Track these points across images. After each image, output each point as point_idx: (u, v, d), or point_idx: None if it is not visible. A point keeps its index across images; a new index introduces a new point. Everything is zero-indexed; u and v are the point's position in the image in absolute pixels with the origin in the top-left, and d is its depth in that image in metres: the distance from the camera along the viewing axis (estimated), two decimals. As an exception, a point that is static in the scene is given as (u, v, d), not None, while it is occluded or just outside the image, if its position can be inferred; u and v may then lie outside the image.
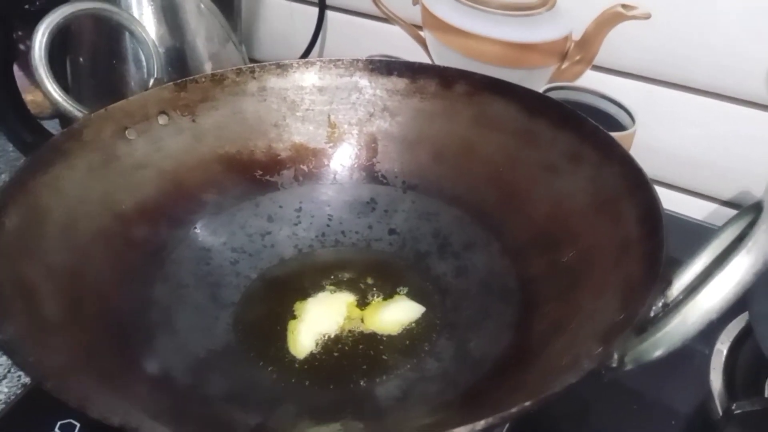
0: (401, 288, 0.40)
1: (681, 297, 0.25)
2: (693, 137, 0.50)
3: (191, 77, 0.42)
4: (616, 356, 0.25)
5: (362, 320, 0.38)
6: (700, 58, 0.47)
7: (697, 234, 0.31)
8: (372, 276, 0.40)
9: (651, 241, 0.30)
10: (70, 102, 0.39)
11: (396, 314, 0.38)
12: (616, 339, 0.26)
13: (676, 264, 0.29)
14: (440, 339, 0.36)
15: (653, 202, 0.32)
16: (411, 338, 0.37)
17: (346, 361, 0.35)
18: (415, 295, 0.39)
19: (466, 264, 0.40)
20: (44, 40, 0.38)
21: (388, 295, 0.39)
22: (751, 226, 0.24)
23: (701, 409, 0.37)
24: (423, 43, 0.60)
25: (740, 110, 0.47)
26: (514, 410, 0.22)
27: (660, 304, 0.26)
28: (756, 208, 0.26)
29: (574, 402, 0.38)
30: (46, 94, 0.39)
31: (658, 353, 0.24)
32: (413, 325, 0.37)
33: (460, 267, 0.40)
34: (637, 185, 0.33)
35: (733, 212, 0.32)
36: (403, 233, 0.43)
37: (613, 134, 0.37)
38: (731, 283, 0.23)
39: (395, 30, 0.60)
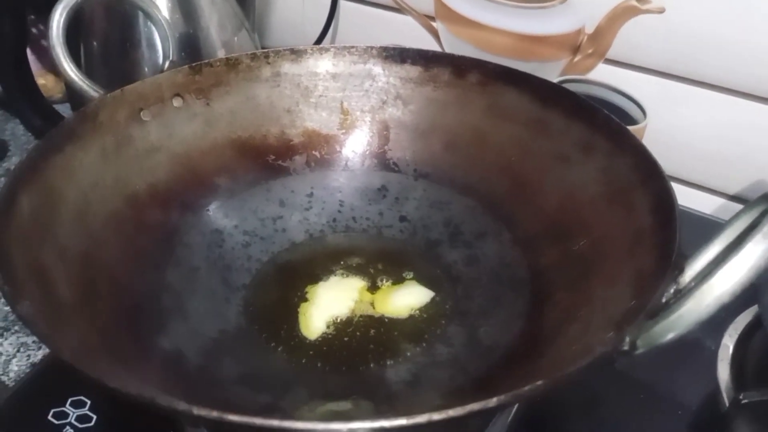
0: (411, 274, 0.40)
1: (693, 284, 0.25)
2: (704, 131, 0.50)
3: (206, 61, 0.42)
4: (627, 339, 0.25)
5: (372, 304, 0.38)
6: (712, 52, 0.47)
7: (709, 229, 0.31)
8: (382, 262, 0.41)
9: (664, 232, 0.30)
10: (88, 82, 0.39)
11: (405, 298, 0.38)
12: (629, 325, 0.26)
13: (686, 258, 0.29)
14: (451, 325, 0.36)
15: (666, 192, 0.32)
16: (422, 324, 0.37)
17: (357, 345, 0.36)
18: (425, 282, 0.39)
19: (477, 253, 0.40)
20: (62, 20, 0.38)
21: (398, 280, 0.39)
22: (764, 214, 0.24)
23: (708, 401, 0.37)
24: (435, 33, 0.60)
25: (752, 105, 0.47)
26: (527, 389, 0.22)
27: (672, 291, 0.26)
28: (770, 197, 0.26)
29: (583, 392, 0.38)
30: (64, 75, 0.39)
31: (670, 336, 0.24)
32: (423, 311, 0.37)
33: (471, 256, 0.40)
34: (649, 175, 0.33)
35: (745, 206, 0.32)
36: (414, 221, 0.43)
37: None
38: (745, 268, 0.23)
39: (407, 20, 0.60)
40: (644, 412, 0.38)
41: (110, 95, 0.39)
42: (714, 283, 0.23)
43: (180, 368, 0.32)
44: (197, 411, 0.22)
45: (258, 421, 0.22)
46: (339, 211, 0.44)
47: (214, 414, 0.22)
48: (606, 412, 0.38)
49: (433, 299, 0.38)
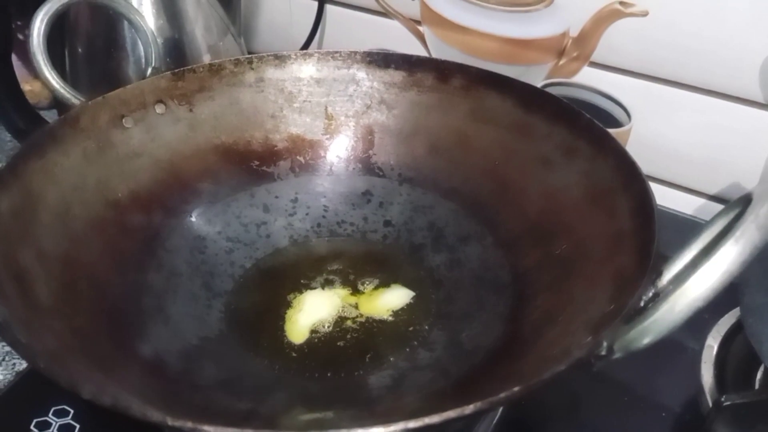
0: (395, 279, 0.40)
1: (671, 287, 0.26)
2: (688, 133, 0.51)
3: (189, 67, 0.42)
4: (605, 344, 0.25)
5: (356, 306, 0.38)
6: (696, 55, 0.47)
7: (689, 229, 0.32)
8: (367, 267, 0.41)
9: (643, 234, 0.30)
10: (68, 89, 0.39)
11: (388, 299, 0.38)
12: (606, 329, 0.26)
13: (666, 259, 0.29)
14: (433, 330, 0.36)
15: (646, 195, 0.32)
16: (404, 328, 0.37)
17: (339, 350, 0.36)
18: (408, 286, 0.39)
19: (460, 256, 0.40)
20: (43, 26, 0.38)
21: (382, 285, 0.39)
22: (739, 217, 0.24)
23: (691, 403, 0.37)
24: (422, 38, 0.60)
25: (735, 107, 0.48)
26: (502, 395, 0.22)
27: (650, 294, 0.26)
28: (745, 200, 0.26)
29: (565, 394, 0.38)
30: (44, 81, 0.39)
31: (646, 341, 0.24)
32: (407, 315, 0.37)
33: (454, 259, 0.40)
34: (630, 178, 0.34)
35: (726, 208, 0.32)
36: (398, 225, 0.43)
37: (610, 131, 0.37)
38: (719, 272, 0.23)
39: (394, 24, 0.60)
40: (628, 414, 0.38)
41: (92, 101, 0.38)
42: (688, 288, 0.23)
43: (160, 373, 0.32)
44: (171, 421, 0.22)
45: (231, 430, 0.21)
46: (323, 216, 0.44)
47: (189, 424, 0.22)
48: (590, 413, 0.38)
49: (416, 304, 0.38)
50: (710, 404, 0.35)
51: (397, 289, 0.39)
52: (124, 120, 0.40)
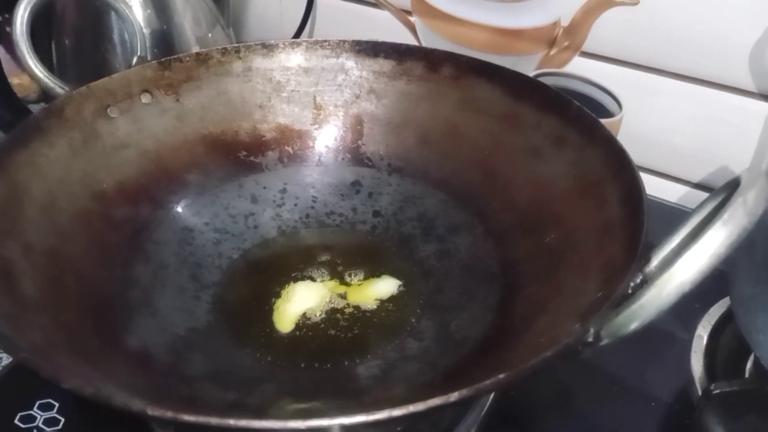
0: (384, 269, 0.39)
1: (658, 272, 0.25)
2: (679, 123, 0.50)
3: (175, 56, 0.41)
4: (592, 331, 0.24)
5: (345, 297, 0.38)
6: (686, 44, 0.47)
7: (677, 217, 0.32)
8: (356, 258, 0.40)
9: (632, 223, 0.30)
10: (53, 79, 0.39)
11: (376, 288, 0.38)
12: (594, 316, 0.25)
13: (653, 248, 0.29)
14: (422, 320, 0.36)
15: (635, 184, 0.32)
16: (392, 319, 0.36)
17: (328, 341, 0.35)
18: (398, 277, 0.39)
19: (450, 247, 0.40)
20: (26, 15, 0.38)
21: (371, 275, 0.39)
22: (724, 202, 0.24)
23: (681, 393, 0.37)
24: (412, 28, 0.59)
25: (725, 96, 0.47)
26: (488, 382, 0.22)
27: (638, 281, 0.26)
28: (733, 185, 0.26)
29: (555, 385, 0.38)
30: (28, 71, 0.39)
31: (633, 326, 0.24)
32: (395, 305, 0.37)
33: (443, 250, 0.40)
34: (619, 167, 0.33)
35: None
36: (387, 216, 0.42)
37: (601, 121, 0.37)
38: (707, 255, 0.23)
39: (385, 15, 0.60)
40: (617, 404, 0.38)
41: (76, 91, 0.38)
42: (674, 272, 0.23)
43: (148, 367, 0.32)
44: (152, 410, 0.21)
45: (214, 420, 0.21)
46: (312, 207, 0.43)
47: (169, 413, 0.21)
48: (579, 404, 0.38)
49: (405, 294, 0.38)
50: (700, 394, 0.35)
51: (385, 279, 0.38)
52: (109, 110, 0.39)
